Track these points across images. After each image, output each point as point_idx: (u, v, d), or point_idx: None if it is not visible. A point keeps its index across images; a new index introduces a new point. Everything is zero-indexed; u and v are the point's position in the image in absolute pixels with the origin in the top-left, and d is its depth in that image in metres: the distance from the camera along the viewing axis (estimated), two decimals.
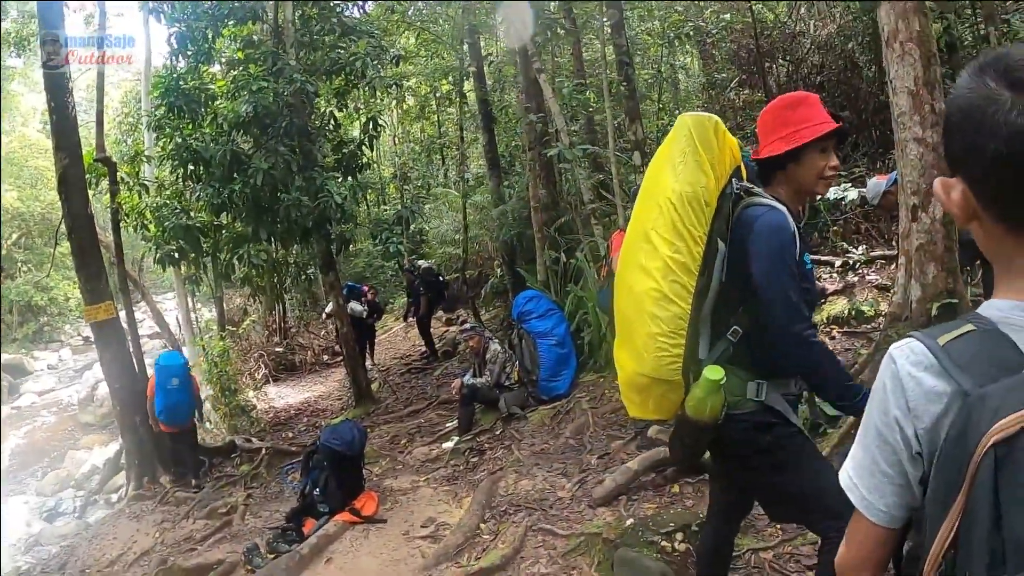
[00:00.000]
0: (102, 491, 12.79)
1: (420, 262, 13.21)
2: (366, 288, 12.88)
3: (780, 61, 11.34)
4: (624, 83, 8.24)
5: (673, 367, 2.25)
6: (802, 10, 11.72)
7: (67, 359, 32.84)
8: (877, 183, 5.52)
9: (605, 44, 8.74)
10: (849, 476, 1.07)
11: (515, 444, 6.77)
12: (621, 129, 9.57)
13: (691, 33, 11.65)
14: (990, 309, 0.96)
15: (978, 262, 5.68)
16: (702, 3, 12.95)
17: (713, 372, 2.20)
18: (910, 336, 0.98)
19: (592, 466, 5.72)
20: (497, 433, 7.31)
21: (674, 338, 2.23)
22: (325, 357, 16.30)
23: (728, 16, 11.63)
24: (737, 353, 2.31)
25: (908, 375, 0.95)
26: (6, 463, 17.33)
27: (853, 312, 6.58)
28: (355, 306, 11.60)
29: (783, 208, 2.27)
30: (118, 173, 10.93)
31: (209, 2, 10.15)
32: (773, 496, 2.49)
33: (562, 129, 8.05)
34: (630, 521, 4.45)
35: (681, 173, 2.25)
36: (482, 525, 5.22)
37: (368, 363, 12.85)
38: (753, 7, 10.96)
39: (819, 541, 2.50)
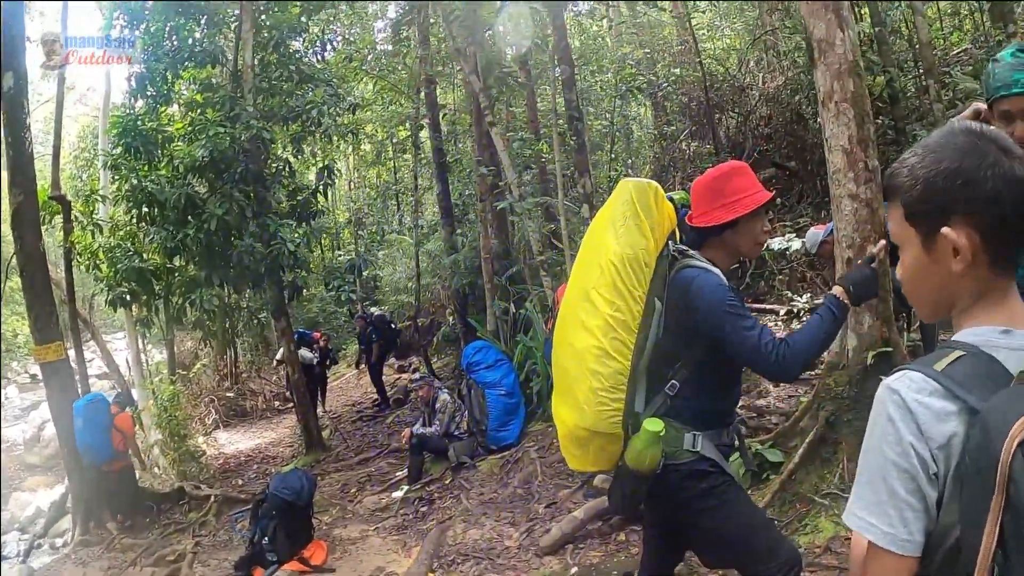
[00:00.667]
0: (47, 535, 12.34)
1: (373, 309, 13.17)
2: (317, 335, 12.79)
3: (729, 113, 11.69)
4: (574, 137, 8.42)
5: (613, 420, 2.33)
6: (751, 64, 12.12)
7: (13, 397, 31.78)
8: (815, 233, 5.71)
9: (556, 97, 8.91)
10: (861, 518, 1.08)
11: (464, 493, 6.76)
12: (573, 179, 9.75)
13: (643, 86, 11.96)
14: (969, 336, 1.08)
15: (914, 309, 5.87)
16: (655, 57, 13.32)
17: (653, 424, 2.28)
18: (902, 369, 1.07)
19: (539, 515, 5.73)
20: (447, 482, 7.29)
21: (614, 392, 2.32)
22: (276, 403, 16.06)
23: (679, 70, 11.98)
24: (674, 406, 2.41)
25: (915, 401, 1.02)
26: None
27: None
28: (305, 353, 11.50)
29: (716, 270, 2.39)
30: (72, 211, 10.81)
31: (169, 43, 10.16)
32: (707, 542, 2.56)
33: (513, 182, 8.18)
34: (575, 570, 4.48)
35: (623, 236, 2.37)
36: (430, 574, 5.21)
37: (320, 410, 12.71)
38: (703, 61, 11.31)
39: None
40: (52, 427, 18.52)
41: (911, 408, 1.02)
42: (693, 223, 2.52)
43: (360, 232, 18.69)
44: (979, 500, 0.94)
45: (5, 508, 14.90)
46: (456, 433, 7.81)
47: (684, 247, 2.49)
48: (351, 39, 14.55)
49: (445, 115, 12.90)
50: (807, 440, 4.66)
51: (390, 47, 14.26)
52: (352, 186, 21.19)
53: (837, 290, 2.39)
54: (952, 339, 1.10)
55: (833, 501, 4.29)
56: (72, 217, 10.71)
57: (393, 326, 12.68)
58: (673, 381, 2.40)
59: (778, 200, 8.41)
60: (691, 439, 2.39)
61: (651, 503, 2.64)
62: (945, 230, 1.07)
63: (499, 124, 9.33)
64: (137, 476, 10.06)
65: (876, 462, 1.06)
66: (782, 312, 7.88)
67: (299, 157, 11.76)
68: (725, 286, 2.35)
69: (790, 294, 8.20)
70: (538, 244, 7.97)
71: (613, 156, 13.34)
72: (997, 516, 0.91)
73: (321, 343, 12.40)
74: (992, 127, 1.10)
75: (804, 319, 7.65)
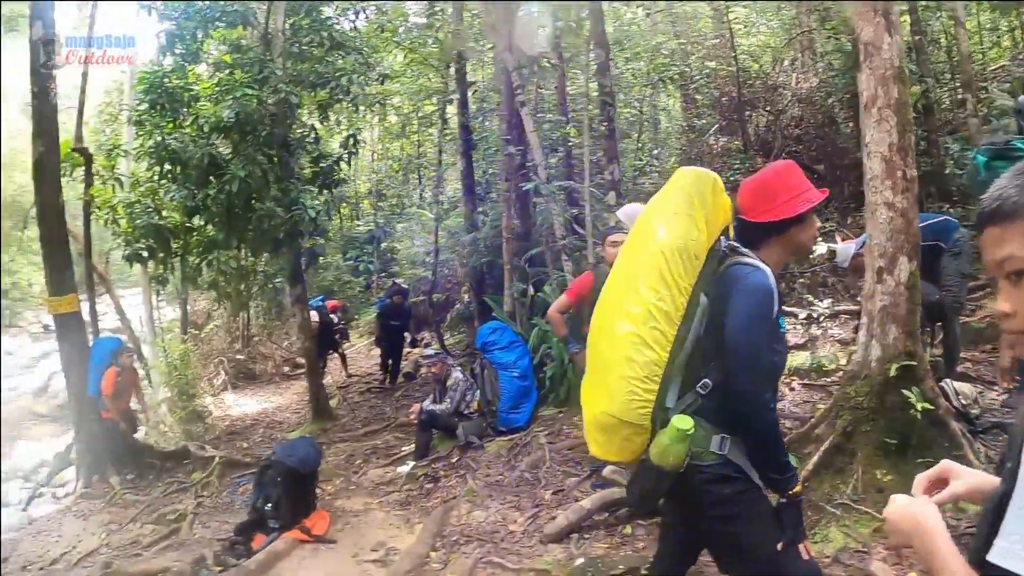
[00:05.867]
0: (49, 484, 12.53)
1: (399, 282, 13.18)
2: (333, 304, 12.82)
3: (760, 111, 11.57)
4: (605, 122, 8.34)
5: (643, 411, 2.29)
6: (785, 63, 11.98)
7: (25, 346, 32.19)
8: (846, 248, 5.67)
9: (588, 81, 8.81)
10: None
11: (470, 474, 6.74)
12: (599, 166, 9.67)
13: (676, 77, 11.84)
14: None
15: (939, 324, 5.83)
16: (689, 49, 13.16)
17: (682, 422, 2.24)
18: None
19: (546, 501, 5.72)
20: (453, 461, 7.27)
21: (647, 383, 2.27)
22: (286, 369, 16.15)
23: (713, 64, 11.84)
24: (705, 406, 2.36)
25: None
26: None
27: (814, 365, 6.68)
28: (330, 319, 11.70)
29: (767, 269, 2.35)
30: (93, 165, 10.81)
31: (201, 2, 10.11)
32: (725, 549, 2.52)
33: (540, 163, 8.10)
34: (580, 560, 4.45)
35: (675, 225, 2.33)
36: (432, 553, 5.22)
37: (343, 376, 12.92)
38: (737, 57, 11.17)
39: None
40: (61, 378, 18.86)
41: None
42: (753, 219, 2.48)
43: (380, 204, 18.66)
44: None
45: (8, 457, 15.08)
46: (466, 412, 7.76)
47: (736, 243, 2.45)
48: (384, 9, 14.43)
49: (475, 91, 12.75)
50: (822, 448, 4.63)
51: (423, 19, 14.13)
52: (375, 157, 21.13)
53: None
54: None
55: (845, 512, 4.26)
56: (93, 171, 10.74)
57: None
58: (706, 380, 2.35)
59: None
60: (718, 442, 2.36)
61: (671, 502, 2.62)
62: None
63: (528, 104, 9.21)
64: (142, 433, 10.16)
65: None
66: (802, 315, 7.83)
67: (324, 124, 11.68)
68: (772, 291, 2.31)
69: (811, 298, 8.14)
70: (562, 228, 7.89)
71: (639, 146, 13.22)
72: None
73: (338, 311, 12.46)
74: None
75: (823, 324, 7.60)
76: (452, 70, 13.06)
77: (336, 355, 13.06)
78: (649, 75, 11.70)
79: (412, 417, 7.99)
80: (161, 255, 10.45)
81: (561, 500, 5.67)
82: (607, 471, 5.46)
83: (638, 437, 2.36)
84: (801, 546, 2.40)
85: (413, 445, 7.95)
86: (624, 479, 5.23)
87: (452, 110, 14.03)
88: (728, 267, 2.38)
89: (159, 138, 9.43)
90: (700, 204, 2.33)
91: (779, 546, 2.38)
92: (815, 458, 4.59)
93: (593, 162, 9.33)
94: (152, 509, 7.99)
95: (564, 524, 5.00)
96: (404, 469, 7.47)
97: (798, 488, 2.39)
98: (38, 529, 8.25)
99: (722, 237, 2.41)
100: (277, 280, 13.57)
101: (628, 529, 4.91)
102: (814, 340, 7.28)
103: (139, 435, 10.06)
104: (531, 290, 8.99)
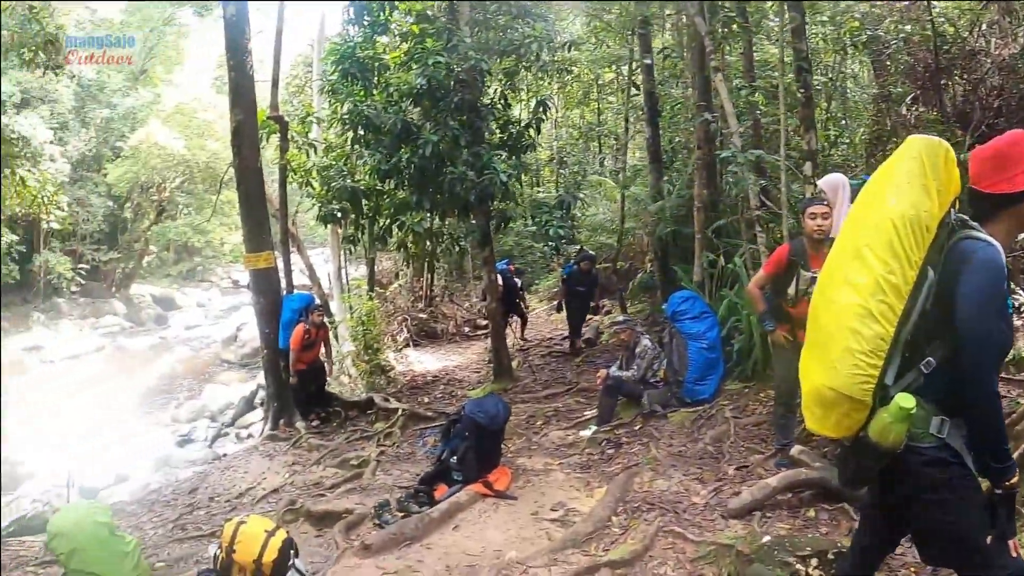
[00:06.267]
0: (233, 425, 13.76)
1: (587, 249, 13.16)
2: (512, 267, 13.09)
3: (957, 79, 10.61)
4: (802, 89, 7.97)
5: (866, 386, 2.26)
6: (983, 26, 10.91)
7: (215, 299, 35.65)
8: None
9: (784, 47, 8.41)
10: None
11: (653, 442, 6.73)
12: (789, 136, 9.26)
13: (867, 42, 11.07)
14: None
15: None
16: (879, 11, 12.22)
17: (906, 400, 2.20)
18: None
19: (728, 476, 5.65)
20: (636, 429, 7.27)
21: (872, 358, 2.24)
22: (466, 329, 16.65)
23: (908, 27, 10.96)
24: (926, 385, 2.30)
25: None
26: (148, 387, 18.92)
27: (1015, 358, 6.16)
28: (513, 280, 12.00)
29: (998, 245, 2.25)
30: (288, 132, 11.57)
31: None
32: (933, 536, 2.45)
33: (735, 131, 7.86)
34: (766, 539, 4.39)
35: (906, 194, 2.27)
36: (613, 518, 5.25)
37: (518, 336, 13.19)
38: (934, 20, 10.27)
39: None
40: (248, 329, 20.63)
41: None
42: (984, 189, 2.35)
43: (561, 170, 18.79)
44: None
45: (198, 398, 16.48)
46: (652, 381, 7.71)
47: (965, 217, 2.34)
48: None
49: (666, 56, 12.45)
50: (1020, 448, 4.29)
51: None
52: (556, 125, 21.26)
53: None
54: None
55: None
56: (289, 137, 11.48)
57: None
58: (929, 358, 2.28)
59: None
60: (938, 424, 2.29)
61: (881, 483, 2.56)
62: None
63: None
64: (327, 384, 10.69)
65: None
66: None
67: (513, 92, 11.83)
68: (1004, 269, 2.21)
69: (1012, 285, 7.46)
70: (755, 199, 7.63)
71: (828, 115, 12.46)
72: None
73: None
74: None
75: None
76: (635, 36, 12.88)
77: (515, 318, 13.29)
78: (839, 39, 10.96)
79: (598, 382, 8.00)
80: (352, 216, 11.02)
81: (744, 476, 5.59)
82: (794, 451, 5.33)
83: (857, 413, 2.32)
84: (1010, 542, 2.31)
85: (595, 410, 7.99)
86: (811, 460, 5.10)
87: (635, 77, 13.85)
88: (957, 241, 2.27)
89: (352, 105, 9.89)
90: (933, 173, 2.26)
91: (988, 539, 2.30)
92: (1015, 455, 4.27)
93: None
94: (335, 454, 8.41)
95: (748, 500, 4.92)
96: (586, 433, 7.53)
97: (1015, 479, 2.27)
98: (226, 465, 8.92)
99: (951, 209, 2.31)
100: (462, 242, 13.97)
101: (811, 512, 4.76)
102: (1016, 331, 6.69)
103: (326, 385, 10.60)
104: (721, 261, 8.77)
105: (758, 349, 7.33)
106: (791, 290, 5.20)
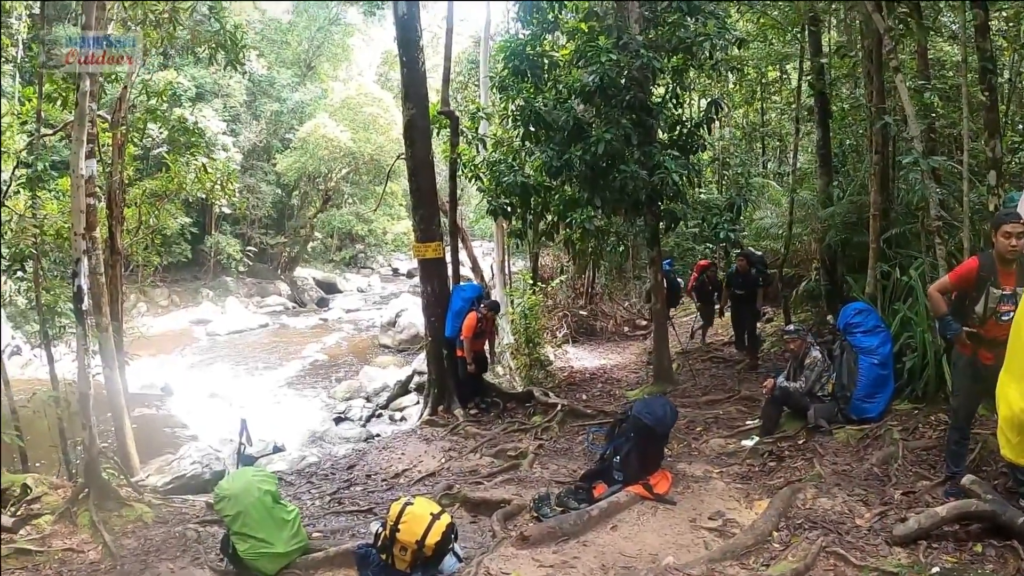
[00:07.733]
0: (387, 408, 14.50)
1: (751, 249, 12.94)
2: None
3: None
4: (987, 92, 7.55)
5: None
6: None
7: (375, 285, 37.54)
8: None
9: (967, 46, 7.96)
10: None
11: (816, 458, 6.61)
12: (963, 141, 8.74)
13: None
14: None
15: None
16: None
17: None
18: None
19: (895, 501, 5.47)
20: (799, 442, 7.15)
21: None
22: (625, 328, 16.74)
23: None
24: None
25: None
26: (307, 364, 20.08)
27: None
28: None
29: None
30: (459, 126, 11.98)
31: None
32: None
33: (916, 136, 7.54)
34: (936, 570, 4.30)
35: None
36: (775, 533, 5.20)
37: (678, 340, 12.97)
38: None
39: None
40: (408, 316, 21.59)
41: None
42: None
43: (724, 172, 18.44)
44: None
45: (355, 379, 17.21)
46: (819, 394, 7.51)
47: None
48: None
49: (842, 55, 11.94)
50: None
51: None
52: (720, 124, 20.86)
53: None
54: None
55: None
56: (459, 131, 11.90)
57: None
58: None
59: None
60: None
61: None
62: None
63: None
64: (488, 375, 10.98)
65: None
66: None
67: (683, 90, 11.72)
68: None
69: None
70: (936, 208, 7.26)
71: (1007, 120, 11.51)
72: None
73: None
74: None
75: None
76: (806, 34, 12.50)
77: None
78: (1017, 37, 10.14)
79: (764, 392, 7.90)
80: (520, 210, 11.29)
81: (912, 503, 5.40)
82: (965, 480, 5.07)
83: None
84: None
85: (757, 419, 7.93)
86: (983, 492, 4.84)
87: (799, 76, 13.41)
88: None
89: (523, 102, 10.16)
90: None
91: None
92: None
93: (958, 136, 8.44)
94: (492, 443, 8.66)
95: (915, 528, 4.76)
96: (748, 443, 7.49)
97: None
98: (384, 445, 9.35)
99: None
100: (628, 241, 13.98)
101: (979, 547, 4.55)
102: None
103: (487, 376, 10.92)
104: (896, 273, 8.39)
105: (931, 368, 7.02)
106: (979, 308, 4.94)
